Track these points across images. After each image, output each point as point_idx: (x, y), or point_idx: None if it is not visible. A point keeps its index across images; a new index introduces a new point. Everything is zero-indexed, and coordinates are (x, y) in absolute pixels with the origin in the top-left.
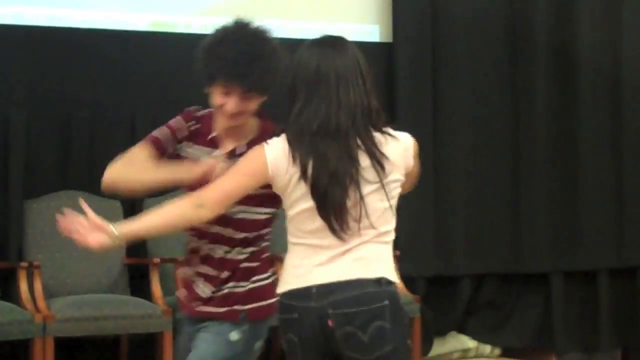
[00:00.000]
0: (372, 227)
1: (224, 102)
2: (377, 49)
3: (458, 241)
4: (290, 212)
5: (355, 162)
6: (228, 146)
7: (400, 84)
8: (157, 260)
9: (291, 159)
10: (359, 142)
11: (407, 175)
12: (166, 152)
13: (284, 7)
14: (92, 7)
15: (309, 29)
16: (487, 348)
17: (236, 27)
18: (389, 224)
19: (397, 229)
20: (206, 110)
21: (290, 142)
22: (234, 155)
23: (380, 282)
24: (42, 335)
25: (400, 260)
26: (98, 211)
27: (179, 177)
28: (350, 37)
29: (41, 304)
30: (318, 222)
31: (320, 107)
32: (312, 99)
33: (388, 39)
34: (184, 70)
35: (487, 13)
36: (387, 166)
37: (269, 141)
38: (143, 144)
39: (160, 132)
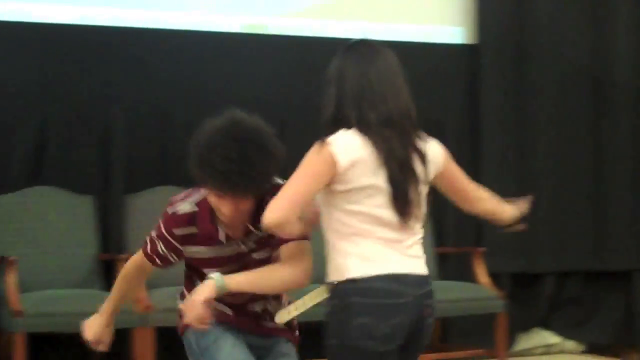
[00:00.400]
0: (419, 222)
1: (219, 205)
2: (461, 51)
3: (542, 239)
4: (355, 204)
5: (417, 153)
6: (237, 232)
7: (484, 85)
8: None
9: (360, 150)
10: (411, 138)
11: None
12: (169, 262)
13: (370, 9)
14: (184, 10)
15: (394, 31)
16: (571, 344)
17: (229, 127)
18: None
19: (483, 226)
20: (194, 204)
21: (358, 133)
22: (250, 237)
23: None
24: (15, 330)
25: (486, 256)
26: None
27: None
28: (435, 38)
29: (14, 298)
30: (385, 213)
31: (374, 105)
32: (363, 100)
33: (473, 40)
34: (277, 71)
35: (572, 13)
36: (427, 167)
37: (328, 139)
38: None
39: (154, 250)
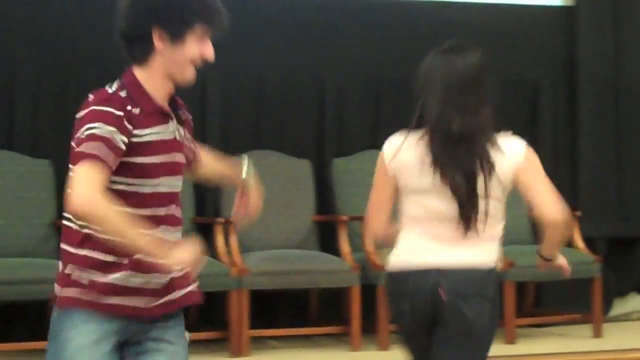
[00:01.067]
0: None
1: (203, 49)
2: (558, 13)
3: (638, 203)
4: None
5: (483, 163)
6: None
7: (581, 47)
8: (345, 217)
9: (421, 153)
10: (479, 147)
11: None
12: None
13: None
14: None
15: None
16: None
17: None
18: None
19: (579, 190)
20: (122, 86)
21: (425, 140)
22: (186, 124)
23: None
24: (237, 287)
25: (581, 221)
26: None
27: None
28: (532, 1)
29: (237, 258)
30: (442, 211)
31: (446, 110)
32: (437, 101)
33: (570, 2)
34: (364, 35)
35: None
36: (493, 180)
37: (391, 140)
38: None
39: (102, 149)
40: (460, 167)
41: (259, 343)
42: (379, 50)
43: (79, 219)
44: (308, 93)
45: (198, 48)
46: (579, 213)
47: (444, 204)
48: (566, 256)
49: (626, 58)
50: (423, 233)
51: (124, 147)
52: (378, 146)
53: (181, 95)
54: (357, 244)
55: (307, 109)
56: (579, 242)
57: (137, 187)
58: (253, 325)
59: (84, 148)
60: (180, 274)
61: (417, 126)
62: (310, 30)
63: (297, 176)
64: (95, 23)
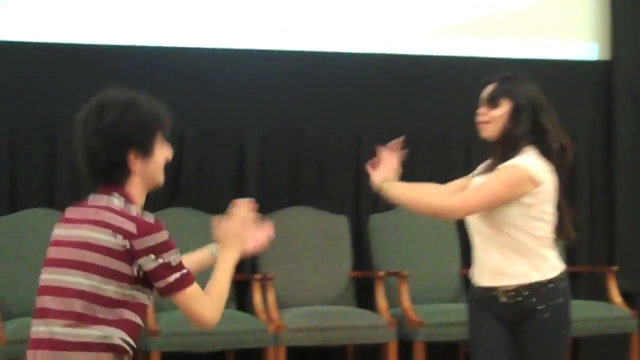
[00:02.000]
0: None
1: (166, 152)
2: (595, 67)
3: None
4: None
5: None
6: None
7: (618, 102)
8: (382, 273)
9: (546, 172)
10: None
11: None
12: None
13: (504, 25)
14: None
15: (527, 46)
16: None
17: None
18: None
19: (616, 245)
20: (126, 205)
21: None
22: None
23: None
24: (274, 344)
25: (618, 275)
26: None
27: None
28: (568, 55)
29: (274, 314)
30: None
31: (549, 131)
32: (544, 123)
33: (606, 56)
34: (402, 91)
35: None
36: None
37: (522, 160)
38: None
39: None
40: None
41: None
42: (416, 105)
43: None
44: (345, 150)
45: (163, 153)
46: (615, 267)
47: None
48: (603, 311)
49: None
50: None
51: None
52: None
53: (220, 153)
54: (393, 299)
55: (344, 165)
56: (616, 297)
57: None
58: None
59: (177, 273)
60: None
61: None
62: (348, 89)
63: (334, 232)
64: (130, 83)
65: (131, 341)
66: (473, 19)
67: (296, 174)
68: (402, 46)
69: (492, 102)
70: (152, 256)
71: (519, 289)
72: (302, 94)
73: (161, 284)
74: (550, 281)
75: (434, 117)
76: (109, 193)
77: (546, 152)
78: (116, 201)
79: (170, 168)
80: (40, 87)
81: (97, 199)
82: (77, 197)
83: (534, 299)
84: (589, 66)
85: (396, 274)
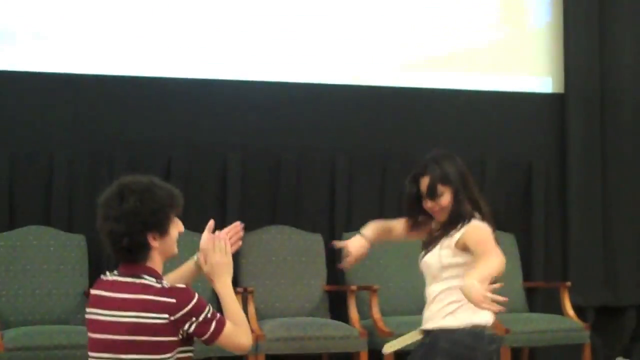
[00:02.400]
0: None
1: (179, 228)
2: (549, 100)
3: (624, 274)
4: None
5: None
6: None
7: (571, 133)
8: (354, 287)
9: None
10: None
11: None
12: None
13: (463, 61)
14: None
15: (485, 81)
16: None
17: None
18: None
19: (569, 262)
20: (155, 279)
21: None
22: None
23: None
24: (254, 352)
25: (571, 290)
26: None
27: None
28: (524, 88)
29: (254, 324)
30: None
31: (478, 199)
32: (480, 199)
33: (560, 89)
34: (371, 119)
35: None
36: None
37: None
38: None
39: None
40: None
41: None
42: (385, 133)
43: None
44: (319, 173)
45: (177, 229)
46: (568, 283)
47: None
48: (557, 323)
49: (614, 142)
50: None
51: None
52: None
53: (204, 174)
54: (364, 312)
55: (318, 187)
56: (570, 310)
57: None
58: None
59: (215, 324)
60: None
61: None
62: (321, 116)
63: (310, 249)
64: (122, 110)
65: None
66: (439, 55)
67: (275, 195)
68: (372, 79)
69: (432, 194)
70: (193, 319)
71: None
72: (280, 121)
73: (205, 336)
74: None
75: (401, 141)
76: (138, 275)
77: (482, 215)
78: (149, 281)
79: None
80: (38, 112)
81: (129, 280)
82: (72, 215)
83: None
84: (544, 98)
85: (367, 288)
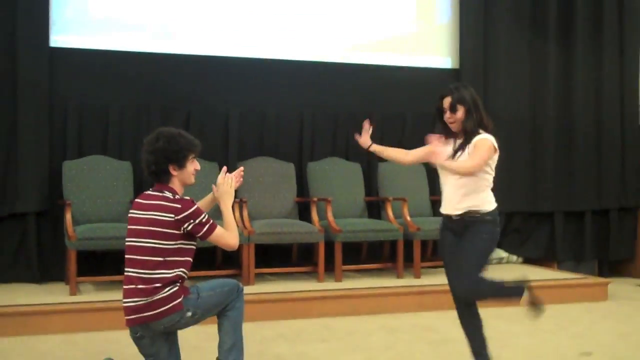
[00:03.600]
0: None
1: (194, 166)
2: (448, 73)
3: (497, 190)
4: (493, 167)
5: None
6: None
7: None
8: (315, 199)
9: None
10: None
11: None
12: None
13: (390, 45)
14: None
15: (403, 60)
16: (514, 257)
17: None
18: None
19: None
20: (172, 194)
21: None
22: None
23: None
24: (247, 242)
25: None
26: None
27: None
28: (430, 65)
29: (247, 224)
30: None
31: (484, 117)
32: (482, 114)
33: (456, 66)
34: (327, 85)
35: (514, 49)
36: None
37: (486, 135)
38: (217, 228)
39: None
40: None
41: (260, 277)
42: (337, 96)
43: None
44: (292, 123)
45: (192, 167)
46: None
47: None
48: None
49: (492, 102)
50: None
51: None
52: (336, 155)
53: (212, 125)
54: (322, 215)
55: (292, 131)
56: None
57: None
58: (257, 266)
59: (208, 225)
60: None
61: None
62: (293, 84)
63: (286, 173)
64: (155, 79)
65: (187, 272)
66: (375, 40)
67: (261, 137)
68: (329, 57)
69: (453, 109)
70: (192, 220)
71: (486, 214)
72: (264, 88)
73: (200, 234)
74: (489, 213)
75: (348, 101)
76: (162, 191)
77: (487, 131)
78: (168, 195)
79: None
80: (99, 77)
81: (156, 193)
82: (122, 148)
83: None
84: (445, 72)
85: (324, 200)
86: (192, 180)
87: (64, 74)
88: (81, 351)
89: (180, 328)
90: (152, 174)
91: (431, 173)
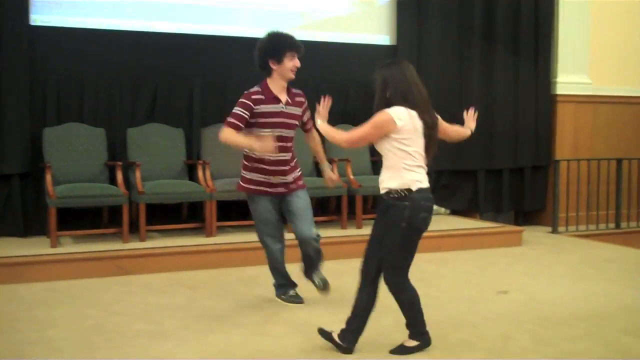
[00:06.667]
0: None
1: (293, 62)
2: (387, 49)
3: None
4: (406, 143)
5: (434, 120)
6: (282, 99)
7: None
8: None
9: (410, 116)
10: (431, 112)
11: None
12: (243, 128)
13: (329, 24)
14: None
15: (350, 37)
16: (442, 209)
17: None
18: None
19: None
20: (259, 87)
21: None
22: (289, 105)
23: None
24: (209, 199)
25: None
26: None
27: (251, 145)
28: (371, 42)
29: (209, 182)
30: (417, 149)
31: (414, 95)
32: (408, 92)
33: (393, 43)
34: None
35: (445, 27)
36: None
37: (389, 110)
38: (227, 125)
39: (237, 119)
40: (427, 124)
41: (220, 229)
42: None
43: (224, 144)
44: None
45: (290, 63)
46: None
47: (422, 147)
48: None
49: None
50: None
51: (248, 117)
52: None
53: (176, 93)
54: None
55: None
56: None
57: (262, 131)
58: (218, 219)
59: (230, 117)
60: (289, 179)
61: (388, 106)
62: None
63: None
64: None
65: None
66: (322, 19)
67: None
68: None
69: (373, 83)
70: (235, 106)
71: (389, 191)
72: (224, 62)
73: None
74: (403, 190)
75: (305, 76)
76: (259, 83)
77: (411, 105)
78: (256, 86)
79: (150, 99)
80: (72, 53)
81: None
82: (97, 115)
83: (392, 197)
84: (384, 48)
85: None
86: (291, 75)
87: (44, 50)
88: (61, 296)
89: None
90: (259, 69)
91: None
